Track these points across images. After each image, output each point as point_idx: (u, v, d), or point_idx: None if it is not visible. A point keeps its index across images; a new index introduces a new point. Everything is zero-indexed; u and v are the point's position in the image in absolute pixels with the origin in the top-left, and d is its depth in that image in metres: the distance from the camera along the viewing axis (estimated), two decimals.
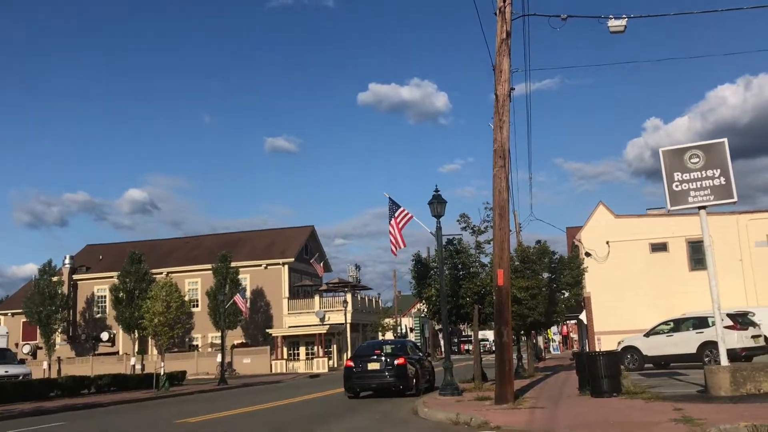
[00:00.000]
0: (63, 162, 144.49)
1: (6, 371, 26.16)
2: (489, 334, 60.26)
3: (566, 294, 29.20)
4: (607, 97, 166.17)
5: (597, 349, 29.94)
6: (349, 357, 22.99)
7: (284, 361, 51.00)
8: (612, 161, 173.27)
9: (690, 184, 13.79)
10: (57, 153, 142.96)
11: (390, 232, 19.27)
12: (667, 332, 24.84)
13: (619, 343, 26.26)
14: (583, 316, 41.15)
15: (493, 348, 60.39)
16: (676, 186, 13.90)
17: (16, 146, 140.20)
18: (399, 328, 69.27)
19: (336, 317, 52.49)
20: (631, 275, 35.45)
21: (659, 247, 36.24)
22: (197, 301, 54.69)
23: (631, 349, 25.37)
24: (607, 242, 36.07)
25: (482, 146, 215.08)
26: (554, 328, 64.96)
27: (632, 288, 35.11)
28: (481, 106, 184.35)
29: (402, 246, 19.22)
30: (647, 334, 25.40)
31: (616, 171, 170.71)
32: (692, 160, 13.84)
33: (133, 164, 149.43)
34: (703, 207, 13.83)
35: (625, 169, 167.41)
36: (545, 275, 27.40)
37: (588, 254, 35.28)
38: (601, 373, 14.39)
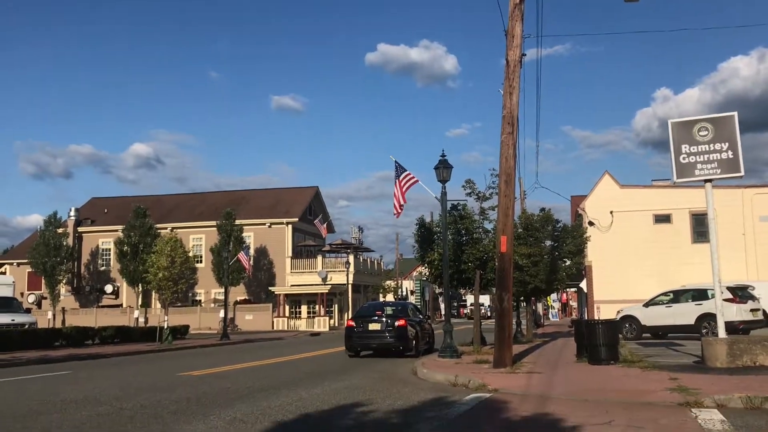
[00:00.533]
0: (68, 114, 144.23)
1: (12, 319, 26.48)
2: (483, 299, 60.60)
3: (568, 262, 29.35)
4: (618, 66, 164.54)
5: (596, 318, 30.22)
6: (350, 317, 23.28)
7: (286, 319, 51.60)
8: (620, 131, 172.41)
9: (697, 156, 13.79)
10: (63, 105, 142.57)
11: (394, 194, 19.35)
12: (667, 303, 25.06)
13: (618, 312, 26.51)
14: (583, 285, 41.40)
15: (488, 313, 60.64)
16: (683, 158, 13.90)
17: (22, 96, 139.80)
18: (400, 290, 69.83)
19: (338, 278, 52.90)
20: (634, 246, 35.57)
21: (663, 219, 36.29)
22: (201, 257, 55.08)
23: (629, 319, 25.62)
24: (611, 212, 36.11)
25: (490, 111, 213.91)
26: (554, 296, 65.38)
27: (634, 258, 35.27)
28: (490, 70, 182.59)
29: (403, 202, 19.32)
30: (646, 305, 25.63)
31: (624, 141, 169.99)
32: (701, 133, 13.81)
33: (139, 119, 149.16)
34: (709, 180, 13.85)
35: (632, 139, 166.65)
36: (548, 243, 27.52)
37: (591, 223, 35.35)
38: (599, 341, 14.58)
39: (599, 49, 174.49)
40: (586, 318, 35.48)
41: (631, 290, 32.56)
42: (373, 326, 19.82)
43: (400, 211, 19.45)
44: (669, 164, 14.27)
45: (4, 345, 23.57)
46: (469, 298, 71.10)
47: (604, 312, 32.43)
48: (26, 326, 26.76)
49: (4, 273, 55.86)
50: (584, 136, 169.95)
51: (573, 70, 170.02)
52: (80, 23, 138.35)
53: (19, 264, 59.43)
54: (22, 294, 53.43)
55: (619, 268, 35.23)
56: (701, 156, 13.76)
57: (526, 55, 14.78)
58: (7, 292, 29.27)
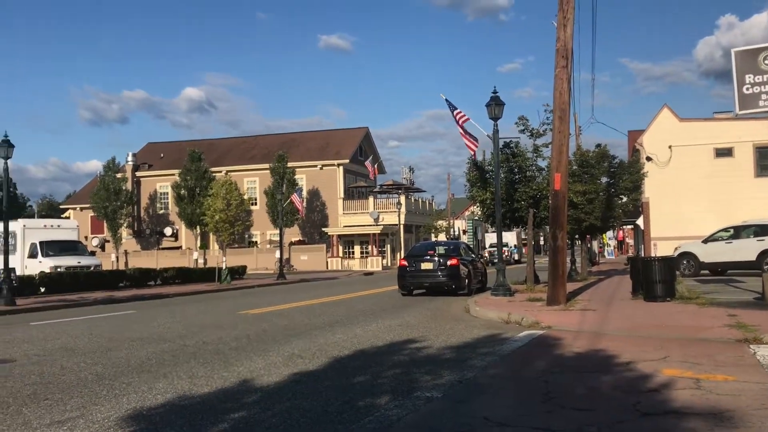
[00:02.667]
0: (121, 59, 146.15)
1: (78, 262, 27.64)
2: (510, 237, 58.84)
3: (624, 199, 28.80)
4: None
5: (652, 255, 29.76)
6: (403, 257, 23.49)
7: (339, 259, 52.40)
8: (680, 61, 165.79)
9: (762, 86, 13.21)
10: (115, 50, 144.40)
11: (461, 133, 19.26)
12: (727, 239, 24.47)
13: (675, 248, 26.03)
14: (640, 222, 40.66)
15: (513, 257, 59.03)
16: (747, 89, 13.34)
17: (76, 43, 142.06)
18: (452, 230, 69.80)
19: (389, 218, 53.21)
20: (693, 181, 34.58)
21: (724, 153, 35.04)
22: (256, 199, 56.00)
23: (687, 255, 25.14)
24: (670, 147, 35.06)
25: (543, 44, 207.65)
26: (610, 233, 64.54)
27: (693, 194, 34.33)
28: (544, 1, 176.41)
29: (468, 139, 19.20)
30: (705, 241, 25.08)
31: (684, 72, 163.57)
32: (766, 62, 13.18)
33: (189, 62, 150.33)
34: None
35: (693, 69, 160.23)
36: (603, 180, 27.00)
37: (649, 159, 34.46)
38: (656, 277, 14.40)
39: None
40: (643, 255, 34.97)
41: (689, 226, 31.84)
42: (426, 265, 19.93)
43: (474, 147, 19.32)
44: (732, 96, 13.65)
45: (71, 286, 24.72)
46: (488, 238, 70.28)
47: (662, 249, 31.89)
48: (91, 268, 27.89)
49: (68, 218, 57.99)
50: (643, 68, 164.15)
51: None
52: None
53: (81, 209, 61.49)
54: (85, 237, 55.51)
55: (678, 204, 34.38)
56: (766, 86, 13.17)
57: None
58: (72, 236, 30.42)
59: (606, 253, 70.72)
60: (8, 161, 19.80)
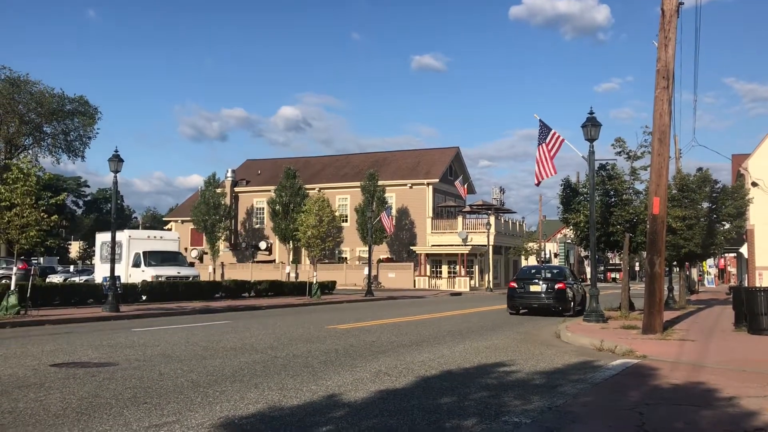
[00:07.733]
0: (221, 79, 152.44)
1: (178, 272, 28.82)
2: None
3: (727, 226, 27.47)
4: None
5: (757, 285, 28.16)
6: (512, 279, 23.99)
7: (427, 278, 52.35)
8: None
9: None
10: (216, 70, 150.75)
11: (537, 158, 18.71)
12: None
13: None
14: (743, 250, 38.62)
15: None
16: None
17: (180, 63, 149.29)
18: (543, 252, 68.46)
19: (478, 239, 52.76)
20: None
21: None
22: (346, 216, 56.84)
23: None
24: None
25: (643, 63, 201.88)
26: (710, 261, 61.66)
27: None
28: (645, 20, 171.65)
29: (552, 173, 18.57)
30: None
31: None
32: None
33: (286, 82, 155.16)
34: None
35: None
36: (705, 205, 25.86)
37: (755, 184, 32.74)
38: (761, 309, 13.69)
39: None
40: (746, 285, 33.18)
41: None
42: (534, 288, 21.15)
43: (547, 176, 18.76)
44: None
45: (171, 295, 25.83)
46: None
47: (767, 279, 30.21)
48: (190, 278, 29.02)
49: (170, 230, 60.69)
50: (749, 88, 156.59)
51: (739, 16, 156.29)
52: None
53: (182, 221, 64.21)
54: (185, 249, 57.81)
55: None
56: None
57: (683, 3, 13.78)
58: (173, 248, 31.75)
59: (706, 282, 67.56)
60: (117, 175, 21.03)
